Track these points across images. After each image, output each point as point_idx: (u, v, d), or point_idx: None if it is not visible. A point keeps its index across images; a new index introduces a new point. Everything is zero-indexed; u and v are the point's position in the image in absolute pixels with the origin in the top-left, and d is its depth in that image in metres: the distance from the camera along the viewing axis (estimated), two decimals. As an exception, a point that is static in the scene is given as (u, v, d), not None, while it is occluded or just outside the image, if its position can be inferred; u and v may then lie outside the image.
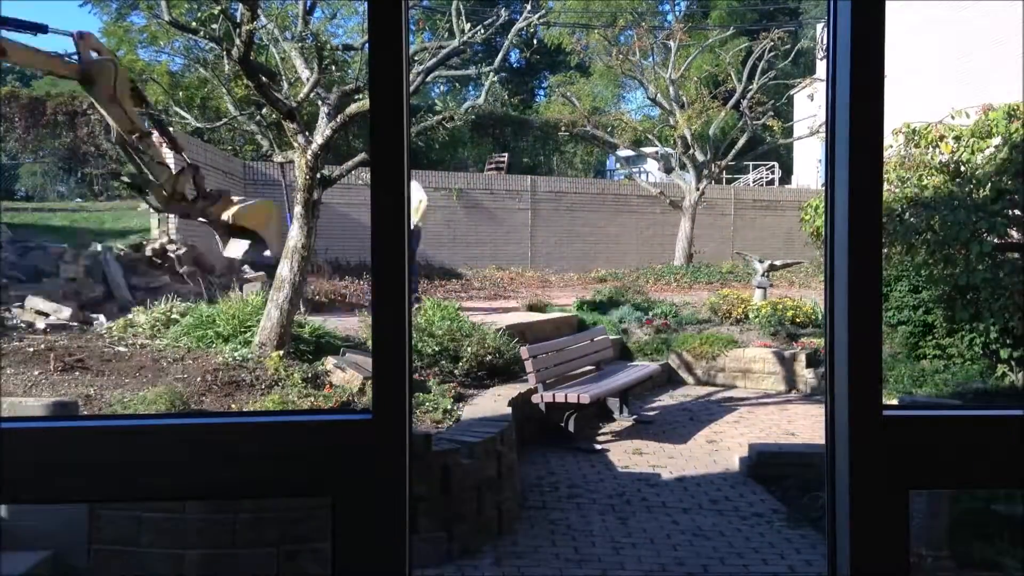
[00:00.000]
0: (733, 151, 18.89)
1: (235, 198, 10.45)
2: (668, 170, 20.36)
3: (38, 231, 11.53)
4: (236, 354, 7.32)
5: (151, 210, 13.73)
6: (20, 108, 19.47)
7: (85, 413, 5.78)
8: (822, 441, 1.22)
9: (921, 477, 1.18)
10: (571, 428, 8.09)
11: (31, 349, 7.31)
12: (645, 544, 5.77)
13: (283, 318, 7.47)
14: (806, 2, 32.57)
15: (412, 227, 9.95)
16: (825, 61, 1.18)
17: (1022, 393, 8.81)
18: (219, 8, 7.31)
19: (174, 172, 8.91)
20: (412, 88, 7.72)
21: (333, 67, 8.61)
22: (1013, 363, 8.70)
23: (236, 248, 10.32)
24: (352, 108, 7.66)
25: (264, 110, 8.53)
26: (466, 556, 5.51)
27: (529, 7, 9.68)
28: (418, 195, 11.27)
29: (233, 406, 6.31)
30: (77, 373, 6.79)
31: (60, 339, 7.83)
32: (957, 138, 9.22)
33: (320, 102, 7.74)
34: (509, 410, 6.92)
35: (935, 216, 7.77)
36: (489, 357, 8.29)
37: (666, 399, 10.11)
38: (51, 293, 9.16)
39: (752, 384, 10.61)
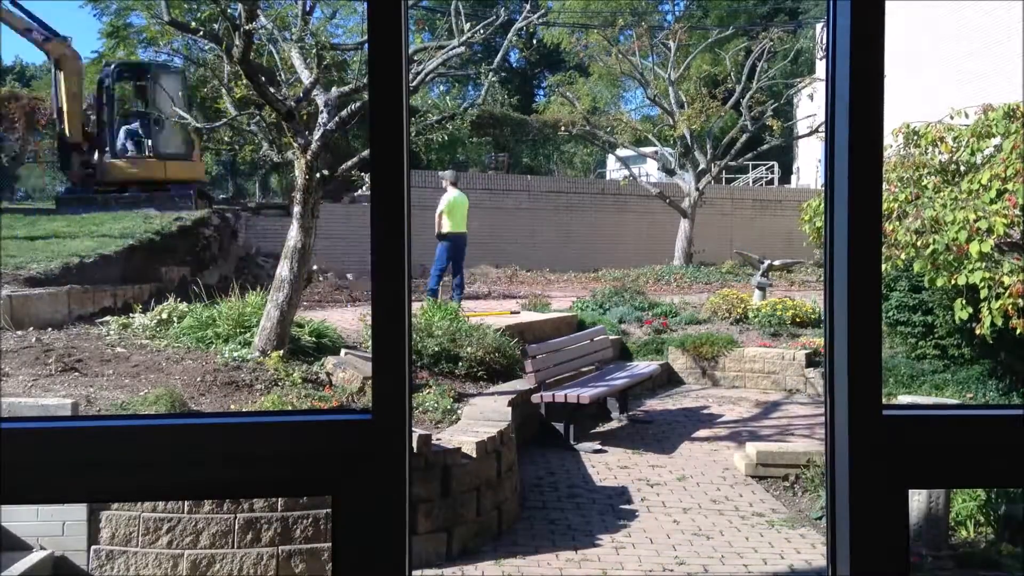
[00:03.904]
0: (733, 151, 18.87)
1: None
2: (668, 171, 20.34)
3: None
4: (236, 354, 7.32)
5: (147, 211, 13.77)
6: (20, 108, 19.46)
7: (85, 413, 5.79)
8: (822, 441, 1.22)
9: (921, 477, 1.18)
10: (571, 429, 8.09)
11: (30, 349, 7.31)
12: (645, 544, 5.77)
13: (283, 318, 7.47)
14: (806, 2, 32.57)
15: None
16: (825, 61, 1.18)
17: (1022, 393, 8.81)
18: (219, 8, 7.31)
19: None
20: (412, 88, 7.73)
21: (332, 67, 8.60)
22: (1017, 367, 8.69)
23: None
24: (351, 108, 7.66)
25: (264, 110, 8.54)
26: (466, 556, 5.51)
27: (528, 7, 9.68)
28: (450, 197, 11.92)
29: (233, 406, 6.31)
30: (77, 374, 6.79)
31: (59, 339, 7.83)
32: (956, 138, 9.21)
33: (319, 102, 7.74)
34: (509, 410, 6.92)
35: None
36: (489, 357, 8.29)
37: (666, 399, 10.11)
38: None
39: (752, 384, 10.60)
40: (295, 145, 7.51)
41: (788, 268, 16.35)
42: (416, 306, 9.44)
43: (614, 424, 8.95)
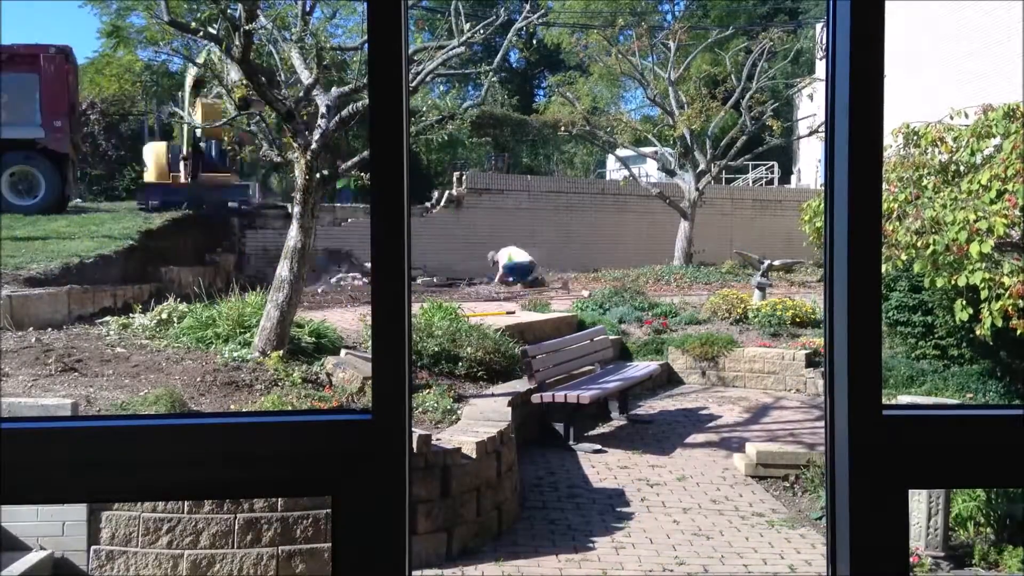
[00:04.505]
0: (733, 151, 18.86)
1: None
2: (668, 171, 20.33)
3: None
4: (236, 355, 7.32)
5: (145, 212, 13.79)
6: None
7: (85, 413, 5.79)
8: (822, 441, 1.22)
9: (921, 477, 1.18)
10: (571, 429, 8.09)
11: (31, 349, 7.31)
12: (645, 544, 5.78)
13: (283, 318, 7.47)
14: (806, 2, 32.56)
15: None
16: (825, 61, 1.18)
17: (1022, 393, 8.81)
18: (219, 8, 7.31)
19: None
20: (412, 88, 7.73)
21: (332, 67, 8.60)
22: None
23: None
24: (351, 108, 7.66)
25: (264, 110, 8.53)
26: (466, 556, 5.51)
27: (528, 7, 9.68)
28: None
29: (233, 406, 6.31)
30: (76, 374, 6.79)
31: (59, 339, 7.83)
32: (956, 139, 9.21)
33: (319, 102, 7.74)
34: (509, 410, 6.92)
35: None
36: (489, 357, 8.29)
37: (665, 399, 10.11)
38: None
39: (752, 384, 10.60)
40: (295, 145, 7.51)
41: (788, 268, 16.35)
42: (416, 306, 9.44)
43: (614, 424, 8.95)
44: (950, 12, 16.55)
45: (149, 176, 16.00)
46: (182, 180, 15.85)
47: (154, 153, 16.03)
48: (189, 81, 14.74)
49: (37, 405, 5.61)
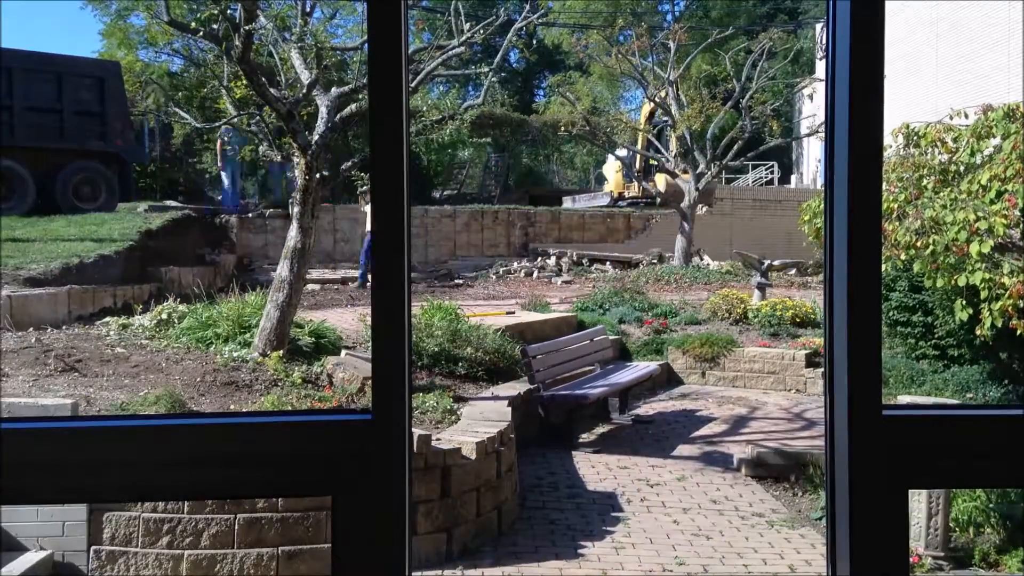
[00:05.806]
0: (733, 151, 18.86)
1: None
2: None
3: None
4: (236, 355, 7.32)
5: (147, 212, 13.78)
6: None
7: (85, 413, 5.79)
8: (821, 441, 1.22)
9: (921, 477, 1.18)
10: (571, 429, 8.09)
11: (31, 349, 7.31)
12: (645, 544, 5.78)
13: (282, 318, 7.47)
14: (806, 2, 32.56)
15: None
16: (824, 61, 1.18)
17: (1022, 393, 8.81)
18: (219, 8, 7.31)
19: None
20: (412, 88, 7.72)
21: (332, 68, 8.60)
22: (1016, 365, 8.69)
23: None
24: (351, 108, 7.66)
25: (263, 110, 8.54)
26: (466, 556, 5.51)
27: (528, 7, 9.68)
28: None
29: (233, 406, 6.31)
30: (76, 374, 6.79)
31: (59, 339, 7.83)
32: (956, 139, 9.20)
33: (319, 103, 7.74)
34: (509, 410, 6.92)
35: None
36: (489, 358, 8.29)
37: (665, 399, 10.10)
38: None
39: (751, 384, 10.60)
40: (295, 145, 7.51)
41: (788, 268, 16.34)
42: (416, 306, 9.43)
43: (614, 424, 8.94)
44: (950, 12, 16.56)
45: (608, 188, 19.84)
46: (633, 193, 20.48)
47: (614, 169, 20.49)
48: (645, 110, 19.04)
49: (37, 405, 5.61)
